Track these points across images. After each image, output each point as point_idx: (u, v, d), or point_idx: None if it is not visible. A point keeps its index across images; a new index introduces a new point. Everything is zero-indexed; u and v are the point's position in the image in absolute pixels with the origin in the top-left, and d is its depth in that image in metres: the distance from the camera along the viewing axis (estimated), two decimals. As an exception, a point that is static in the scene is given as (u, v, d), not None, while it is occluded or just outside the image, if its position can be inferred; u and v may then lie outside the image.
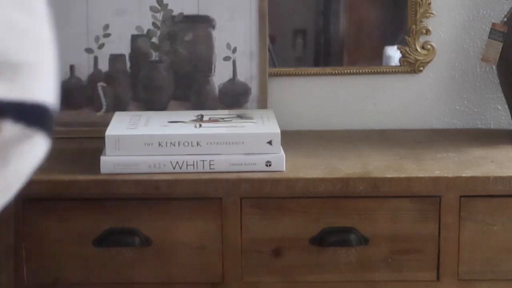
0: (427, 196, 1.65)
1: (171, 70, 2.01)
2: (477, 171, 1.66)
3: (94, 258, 1.67)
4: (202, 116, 1.82)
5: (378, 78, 2.08)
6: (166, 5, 1.99)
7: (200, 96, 2.01)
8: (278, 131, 1.67)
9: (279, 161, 1.66)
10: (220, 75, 2.01)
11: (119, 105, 1.98)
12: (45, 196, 1.65)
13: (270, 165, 1.65)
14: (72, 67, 1.98)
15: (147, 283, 1.69)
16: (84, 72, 1.98)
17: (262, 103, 2.01)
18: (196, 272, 1.68)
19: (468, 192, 1.65)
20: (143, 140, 1.66)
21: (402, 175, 1.64)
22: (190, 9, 2.00)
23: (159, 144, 1.66)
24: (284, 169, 1.66)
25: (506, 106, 2.01)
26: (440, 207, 1.66)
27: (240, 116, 1.82)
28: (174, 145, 1.66)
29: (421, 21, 2.04)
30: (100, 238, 1.66)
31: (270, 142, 1.66)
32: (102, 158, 1.65)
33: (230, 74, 2.01)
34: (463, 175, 1.64)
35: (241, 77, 2.01)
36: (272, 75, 2.05)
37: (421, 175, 1.64)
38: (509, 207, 1.66)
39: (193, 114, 1.84)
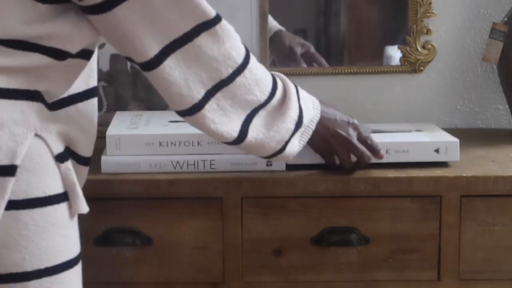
0: (428, 196, 1.65)
1: (172, 70, 2.01)
2: (477, 171, 1.66)
3: (95, 258, 1.67)
4: None
5: (379, 77, 2.08)
6: (167, 4, 1.99)
7: (201, 95, 2.01)
8: None
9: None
10: (220, 75, 2.01)
11: (120, 105, 1.98)
12: (46, 196, 1.65)
13: (270, 164, 1.65)
14: (72, 67, 1.98)
15: (147, 282, 1.69)
16: (84, 71, 1.97)
17: (263, 103, 2.01)
18: (197, 272, 1.68)
19: (468, 192, 1.65)
20: (144, 140, 1.66)
21: (403, 175, 1.64)
22: (190, 9, 1.99)
23: (160, 144, 1.66)
24: (284, 169, 1.66)
25: (507, 106, 2.01)
26: (441, 207, 1.66)
27: None
28: (175, 145, 1.66)
29: (421, 21, 2.04)
30: (101, 237, 1.66)
31: None
32: (103, 158, 1.65)
33: (231, 74, 2.01)
34: (464, 174, 1.64)
35: (241, 76, 2.01)
36: (273, 74, 2.05)
37: (422, 175, 1.64)
38: (509, 206, 1.66)
39: None
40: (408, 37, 2.05)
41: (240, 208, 1.66)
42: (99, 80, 1.98)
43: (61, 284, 1.31)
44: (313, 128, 1.54)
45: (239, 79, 1.39)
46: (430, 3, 2.03)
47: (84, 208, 1.36)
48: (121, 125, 1.74)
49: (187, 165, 1.65)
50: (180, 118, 1.78)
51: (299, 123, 1.51)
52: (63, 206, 1.32)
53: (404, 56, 2.06)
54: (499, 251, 1.67)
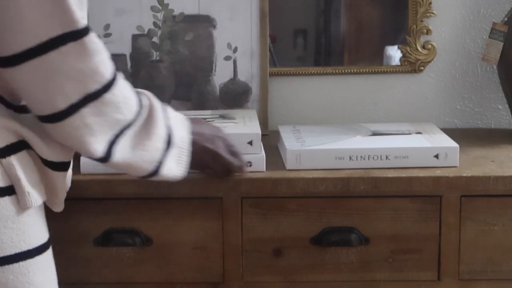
0: (428, 196, 1.66)
1: (172, 70, 2.01)
2: (477, 171, 1.66)
3: (95, 258, 1.67)
4: None
5: (379, 77, 2.08)
6: (167, 4, 1.99)
7: (201, 95, 2.01)
8: (259, 131, 1.67)
9: (260, 162, 1.65)
10: (220, 75, 2.01)
11: (119, 105, 1.98)
12: (46, 196, 1.65)
13: (250, 165, 1.65)
14: (72, 67, 1.98)
15: (147, 282, 1.69)
16: (84, 71, 1.97)
17: (263, 103, 2.01)
18: (197, 272, 1.68)
19: (468, 192, 1.65)
20: None
21: (403, 175, 1.64)
22: (191, 9, 2.00)
23: None
24: (264, 170, 1.65)
25: (507, 106, 2.01)
26: (441, 207, 1.66)
27: (223, 117, 1.82)
28: None
29: (421, 21, 2.04)
30: (100, 237, 1.66)
31: (250, 143, 1.66)
32: (82, 158, 1.64)
33: (231, 74, 2.02)
34: (464, 174, 1.64)
35: (241, 76, 2.01)
36: (273, 74, 2.05)
37: (421, 175, 1.64)
38: (509, 206, 1.66)
39: None
40: (408, 37, 2.05)
41: (240, 208, 1.66)
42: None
43: (17, 274, 1.34)
44: (188, 149, 1.50)
45: (107, 96, 1.34)
46: (430, 3, 2.03)
47: (30, 203, 1.36)
48: None
49: None
50: None
51: (169, 141, 1.46)
52: (7, 200, 1.34)
53: (404, 56, 2.06)
54: (499, 251, 1.67)
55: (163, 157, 1.45)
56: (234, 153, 1.60)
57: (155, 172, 1.45)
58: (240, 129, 1.71)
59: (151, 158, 1.44)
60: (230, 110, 1.94)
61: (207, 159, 1.57)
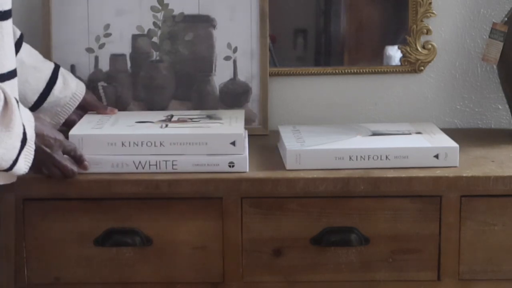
0: (428, 196, 1.66)
1: (172, 70, 2.01)
2: (477, 171, 1.66)
3: (94, 258, 1.67)
4: (171, 116, 1.82)
5: (379, 77, 2.08)
6: (167, 4, 1.99)
7: (201, 95, 2.01)
8: (242, 132, 1.67)
9: (242, 162, 1.65)
10: (220, 75, 2.01)
11: (119, 105, 1.98)
12: (45, 196, 1.65)
13: (233, 166, 1.65)
14: (72, 67, 1.98)
15: (147, 282, 1.69)
16: (84, 71, 1.98)
17: (263, 103, 2.01)
18: (197, 272, 1.68)
19: (468, 192, 1.65)
20: (106, 140, 1.65)
21: (403, 175, 1.64)
22: (190, 9, 2.00)
23: (123, 144, 1.65)
24: (247, 170, 1.65)
25: (507, 106, 2.01)
26: (441, 207, 1.66)
27: (209, 117, 1.83)
28: (137, 145, 1.65)
29: (421, 21, 2.04)
30: (100, 237, 1.66)
31: (233, 143, 1.66)
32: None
33: (231, 74, 2.01)
34: (464, 174, 1.64)
35: (241, 76, 2.01)
36: (273, 74, 2.05)
37: (421, 174, 1.64)
38: (509, 206, 1.66)
39: (163, 115, 1.84)
40: (408, 37, 2.05)
41: (240, 208, 1.66)
42: (99, 80, 1.99)
43: None
44: (34, 147, 1.51)
45: None
46: (430, 3, 2.03)
47: None
48: (87, 125, 1.74)
49: (149, 165, 1.65)
50: (147, 119, 1.79)
51: (24, 140, 1.47)
52: None
53: (404, 56, 2.06)
54: (499, 251, 1.67)
55: (18, 156, 1.46)
56: (70, 154, 1.61)
57: (8, 169, 1.46)
58: (224, 129, 1.71)
59: (9, 157, 1.45)
60: (217, 111, 1.94)
61: (42, 161, 1.56)
